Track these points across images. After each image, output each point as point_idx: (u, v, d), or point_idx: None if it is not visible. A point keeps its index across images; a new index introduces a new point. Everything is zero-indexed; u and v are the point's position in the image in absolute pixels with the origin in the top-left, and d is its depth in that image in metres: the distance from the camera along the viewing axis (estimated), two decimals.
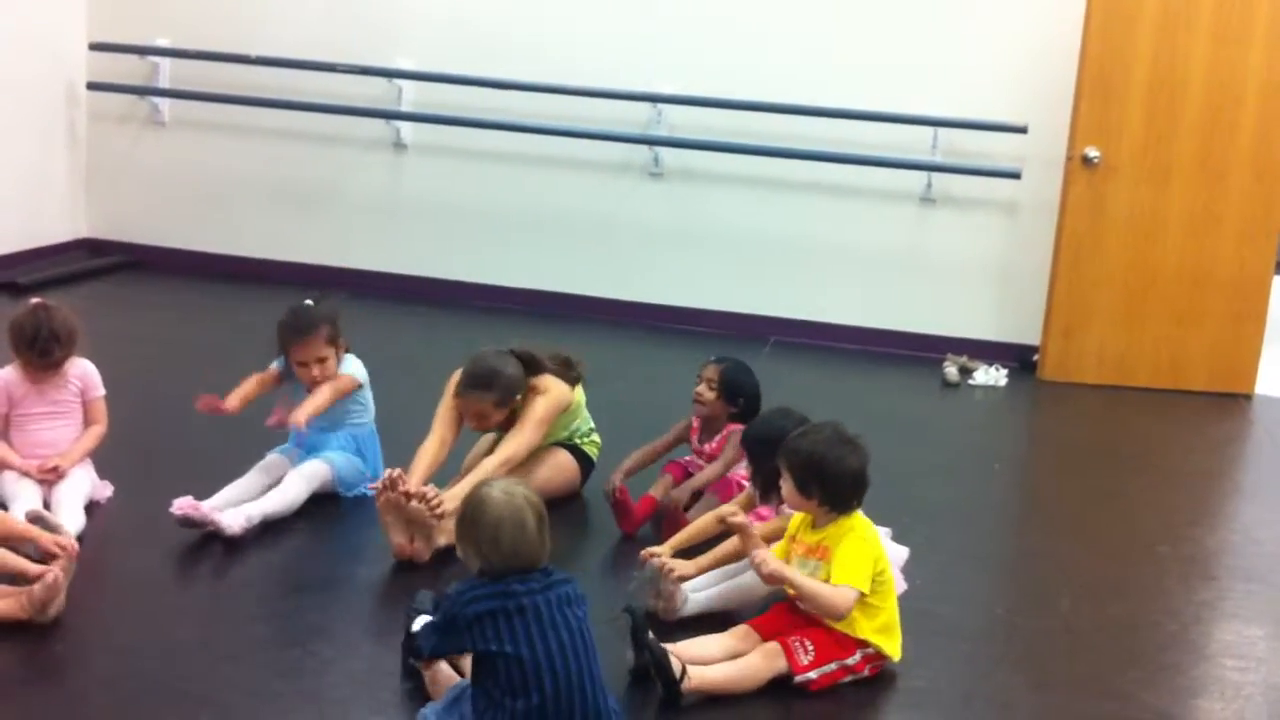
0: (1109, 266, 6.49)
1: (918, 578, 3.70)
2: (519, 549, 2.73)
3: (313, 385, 4.20)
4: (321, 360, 4.18)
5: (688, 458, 4.39)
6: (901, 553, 3.67)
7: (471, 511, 2.77)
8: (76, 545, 3.37)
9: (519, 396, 4.12)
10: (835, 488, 3.23)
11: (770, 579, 3.18)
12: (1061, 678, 3.43)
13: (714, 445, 4.29)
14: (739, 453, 4.14)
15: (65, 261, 7.30)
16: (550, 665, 2.68)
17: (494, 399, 4.06)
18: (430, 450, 4.01)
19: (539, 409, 4.13)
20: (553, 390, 4.19)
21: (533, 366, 4.19)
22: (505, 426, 4.17)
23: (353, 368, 4.30)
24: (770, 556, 3.20)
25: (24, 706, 2.92)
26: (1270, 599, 4.10)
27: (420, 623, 3.14)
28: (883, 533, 3.47)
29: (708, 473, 4.21)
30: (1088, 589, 4.06)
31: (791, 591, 3.25)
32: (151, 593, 3.54)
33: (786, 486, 3.29)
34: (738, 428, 4.24)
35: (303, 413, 4.08)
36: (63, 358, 3.98)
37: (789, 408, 3.76)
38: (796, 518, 3.38)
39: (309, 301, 4.27)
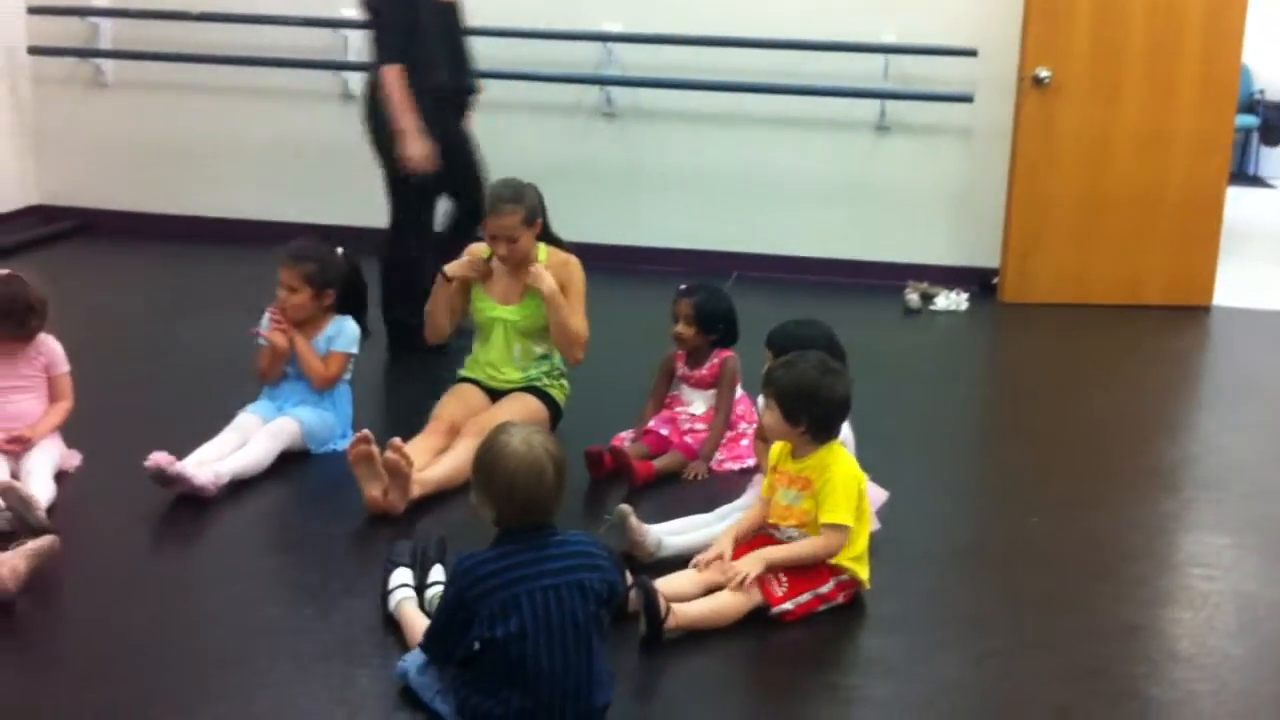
0: (1063, 187, 6.52)
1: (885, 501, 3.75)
2: (535, 503, 2.63)
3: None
4: (293, 290, 4.19)
5: (673, 393, 4.35)
6: (880, 495, 3.71)
7: (488, 460, 2.65)
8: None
9: (539, 223, 4.35)
10: (823, 416, 3.28)
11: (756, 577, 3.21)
12: (1031, 595, 3.49)
13: (705, 371, 4.26)
14: (734, 379, 4.22)
15: (18, 229, 7.21)
16: (550, 666, 2.57)
17: (523, 214, 4.22)
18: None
19: (581, 282, 4.37)
20: (575, 259, 4.42)
21: (553, 238, 4.46)
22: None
23: (346, 334, 4.29)
24: (748, 569, 3.21)
25: (1, 672, 2.93)
26: (1233, 507, 4.17)
27: (398, 577, 3.16)
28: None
29: (715, 433, 4.19)
30: (1054, 506, 4.12)
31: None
32: (125, 558, 3.54)
33: (771, 415, 3.31)
34: (726, 354, 4.26)
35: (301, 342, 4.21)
36: (37, 328, 3.98)
37: (814, 319, 3.82)
38: (776, 448, 3.41)
39: (340, 249, 4.31)
